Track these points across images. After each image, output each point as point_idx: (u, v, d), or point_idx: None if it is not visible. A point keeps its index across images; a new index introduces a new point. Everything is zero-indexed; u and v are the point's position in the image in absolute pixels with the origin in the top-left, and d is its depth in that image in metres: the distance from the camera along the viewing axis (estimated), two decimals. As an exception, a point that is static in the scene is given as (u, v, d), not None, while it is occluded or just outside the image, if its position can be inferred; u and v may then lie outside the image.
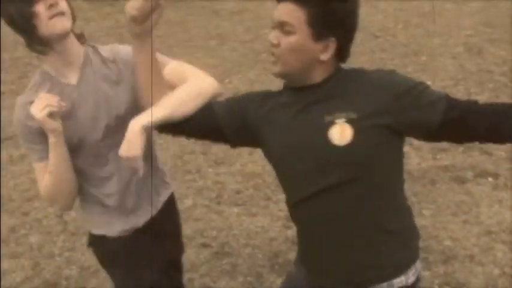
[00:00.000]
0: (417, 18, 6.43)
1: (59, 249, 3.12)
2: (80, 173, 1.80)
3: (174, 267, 2.05)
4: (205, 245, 3.05)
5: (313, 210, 1.47)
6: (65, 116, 1.69)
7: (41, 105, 1.60)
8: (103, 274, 2.88)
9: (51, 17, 1.60)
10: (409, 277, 1.51)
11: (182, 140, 4.30)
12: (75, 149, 1.75)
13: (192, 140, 4.64)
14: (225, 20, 6.87)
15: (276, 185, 3.47)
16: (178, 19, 6.78)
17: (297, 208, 1.52)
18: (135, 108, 1.69)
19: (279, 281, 2.41)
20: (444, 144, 3.74)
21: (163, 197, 1.95)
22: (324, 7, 1.37)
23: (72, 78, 1.72)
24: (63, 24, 1.62)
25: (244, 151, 3.97)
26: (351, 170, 1.39)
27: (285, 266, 2.78)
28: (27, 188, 3.74)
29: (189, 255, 2.84)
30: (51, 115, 1.61)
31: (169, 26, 6.46)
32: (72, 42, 1.70)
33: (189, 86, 1.64)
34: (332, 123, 1.39)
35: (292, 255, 1.71)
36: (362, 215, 1.44)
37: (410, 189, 3.19)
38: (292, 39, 1.39)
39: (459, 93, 4.29)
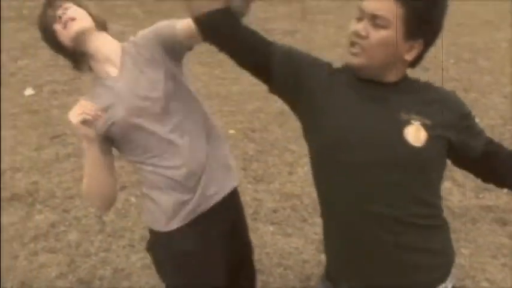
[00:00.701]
0: (469, 54, 6.36)
1: (95, 249, 3.18)
2: (142, 163, 1.84)
3: (246, 267, 2.09)
4: (237, 260, 3.06)
5: (364, 204, 1.42)
6: (112, 105, 1.78)
7: (77, 112, 1.68)
8: (136, 278, 2.93)
9: (64, 26, 1.77)
10: (447, 285, 1.52)
11: (223, 154, 4.35)
12: (129, 134, 1.80)
13: (233, 154, 4.68)
14: (276, 39, 6.94)
15: (312, 207, 3.46)
16: (231, 35, 6.89)
17: (342, 199, 1.45)
18: (161, 88, 1.77)
19: (309, 304, 2.41)
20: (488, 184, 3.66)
21: (232, 182, 1.97)
22: (422, 6, 1.36)
23: (115, 68, 1.81)
24: (73, 27, 1.77)
25: (284, 170, 3.99)
26: (415, 172, 1.40)
27: (315, 289, 2.77)
28: (70, 186, 3.84)
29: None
30: (85, 122, 1.68)
31: (221, 41, 6.56)
32: (103, 39, 1.82)
33: None
34: (408, 122, 1.40)
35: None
36: (410, 218, 1.43)
37: (450, 226, 3.13)
38: (384, 33, 1.37)
39: (508, 132, 4.20)
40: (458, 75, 5.64)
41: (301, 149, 4.26)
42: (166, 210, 1.85)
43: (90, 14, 1.83)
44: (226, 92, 5.32)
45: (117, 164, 1.89)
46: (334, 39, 6.86)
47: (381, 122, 1.41)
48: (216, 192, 1.90)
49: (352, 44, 1.42)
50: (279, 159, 4.14)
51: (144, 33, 1.84)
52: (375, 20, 1.37)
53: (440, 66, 5.82)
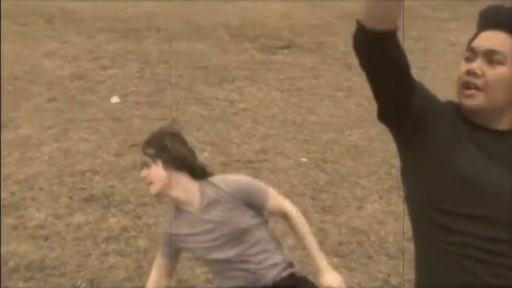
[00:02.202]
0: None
1: (162, 258, 3.28)
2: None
3: None
4: (298, 288, 3.06)
5: (467, 250, 1.40)
6: (189, 238, 2.18)
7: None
8: (198, 291, 2.99)
9: (147, 184, 2.19)
10: None
11: (293, 181, 4.40)
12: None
13: (303, 183, 4.64)
14: (355, 74, 6.94)
15: (378, 245, 3.42)
16: (311, 65, 6.97)
17: (444, 244, 1.42)
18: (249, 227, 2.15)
19: None
20: None
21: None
22: None
23: (193, 208, 2.14)
24: (151, 189, 2.16)
25: (353, 205, 3.98)
26: None
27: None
28: (145, 194, 3.98)
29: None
30: None
31: (302, 70, 6.66)
32: (181, 189, 2.14)
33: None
34: None
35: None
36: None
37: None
38: (501, 70, 1.37)
39: None
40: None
41: (372, 185, 4.24)
42: None
43: (172, 162, 2.16)
44: (301, 120, 5.38)
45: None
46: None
47: (496, 180, 1.38)
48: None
49: (466, 85, 1.39)
50: (348, 192, 4.14)
51: (235, 183, 2.14)
52: (491, 56, 1.37)
53: None
